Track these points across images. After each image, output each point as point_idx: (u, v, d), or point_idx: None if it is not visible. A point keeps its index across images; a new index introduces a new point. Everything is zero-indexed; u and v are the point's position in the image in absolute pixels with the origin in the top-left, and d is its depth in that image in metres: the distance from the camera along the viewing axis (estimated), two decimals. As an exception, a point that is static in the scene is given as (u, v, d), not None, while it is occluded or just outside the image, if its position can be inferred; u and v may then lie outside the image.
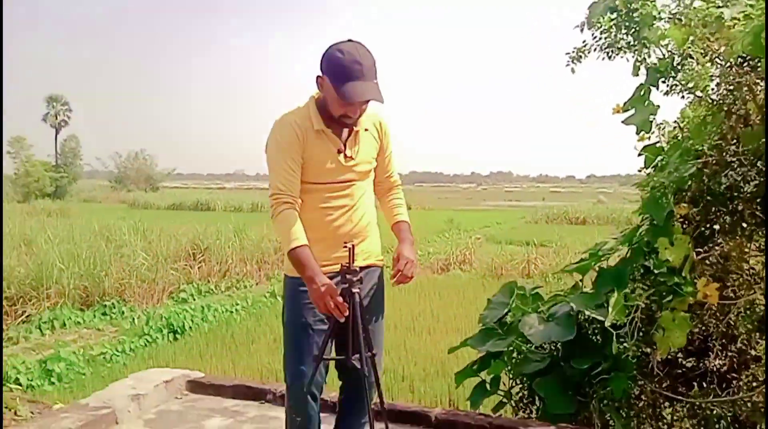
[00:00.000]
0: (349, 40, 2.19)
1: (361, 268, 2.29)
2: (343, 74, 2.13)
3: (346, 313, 2.09)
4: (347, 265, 2.12)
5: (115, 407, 3.19)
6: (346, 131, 2.31)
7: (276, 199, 2.24)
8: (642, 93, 3.34)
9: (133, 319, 9.88)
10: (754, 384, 3.20)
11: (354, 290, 2.10)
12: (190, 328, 9.33)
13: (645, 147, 3.37)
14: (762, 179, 2.99)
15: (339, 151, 2.29)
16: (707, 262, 3.00)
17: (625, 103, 3.39)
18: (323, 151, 2.28)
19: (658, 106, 3.32)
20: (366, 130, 2.35)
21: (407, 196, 2.56)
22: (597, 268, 3.26)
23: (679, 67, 3.28)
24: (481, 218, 30.78)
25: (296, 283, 2.24)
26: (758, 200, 3.01)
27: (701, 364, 3.25)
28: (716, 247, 3.06)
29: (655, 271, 2.94)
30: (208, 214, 31.29)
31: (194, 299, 11.66)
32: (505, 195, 73.98)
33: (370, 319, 2.37)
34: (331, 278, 2.19)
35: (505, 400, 3.48)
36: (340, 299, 2.09)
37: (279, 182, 2.24)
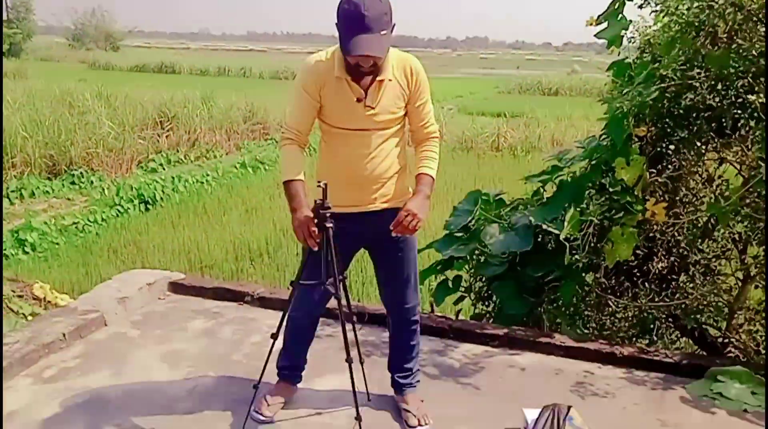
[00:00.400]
0: None
1: (381, 211, 2.41)
2: (347, 26, 2.12)
3: (318, 241, 2.22)
4: (321, 201, 2.22)
5: (103, 310, 3.34)
6: (369, 79, 2.26)
7: (283, 133, 2.37)
8: (616, 6, 3.33)
9: (103, 189, 9.85)
10: (691, 286, 3.53)
11: (327, 225, 2.22)
12: (161, 198, 9.36)
13: (613, 63, 3.42)
14: (719, 101, 3.10)
15: (359, 100, 2.28)
16: (658, 181, 3.18)
17: (599, 16, 3.40)
18: (341, 98, 2.29)
19: (630, 21, 3.34)
20: (390, 80, 2.29)
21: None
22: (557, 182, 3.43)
23: (655, -20, 3.26)
24: (455, 87, 30.44)
25: None
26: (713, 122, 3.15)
27: (645, 267, 3.53)
28: (669, 167, 3.23)
29: (610, 189, 3.11)
30: (173, 78, 30.27)
31: (164, 169, 11.61)
32: (480, 62, 72.55)
33: (394, 259, 2.49)
34: (344, 219, 2.30)
35: (465, 294, 3.77)
36: (315, 230, 2.22)
37: (290, 118, 2.38)
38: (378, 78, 2.27)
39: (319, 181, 2.21)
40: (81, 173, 10.43)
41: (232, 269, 6.58)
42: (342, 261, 2.40)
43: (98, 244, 7.49)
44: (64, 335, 3.07)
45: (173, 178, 10.28)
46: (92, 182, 10.26)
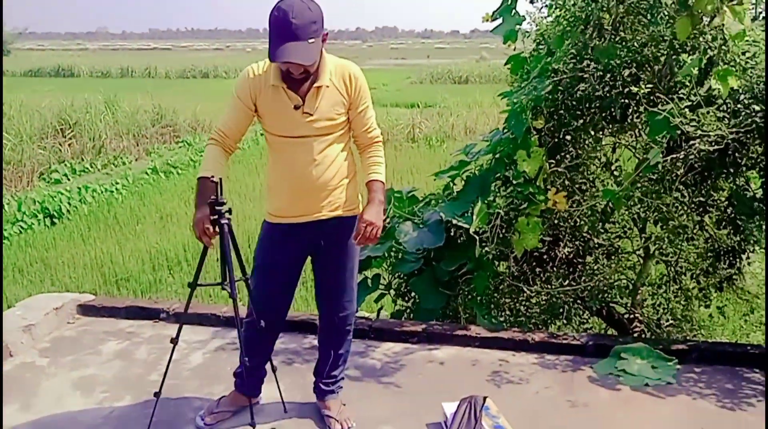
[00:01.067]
0: None
1: (328, 219, 2.41)
2: (275, 33, 2.12)
3: (213, 240, 2.22)
4: (214, 198, 2.21)
5: (7, 340, 3.17)
6: (307, 86, 2.27)
7: (212, 133, 2.40)
8: (510, 2, 3.45)
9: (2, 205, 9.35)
10: (596, 267, 3.72)
11: (222, 221, 2.22)
12: (68, 211, 8.89)
13: (511, 57, 3.54)
14: (608, 91, 3.28)
15: (296, 107, 2.28)
16: (558, 170, 3.32)
17: (493, 12, 3.50)
18: (279, 105, 2.30)
19: (524, 17, 3.46)
20: (328, 86, 2.30)
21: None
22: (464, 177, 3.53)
23: (544, -23, 3.39)
24: (368, 79, 30.11)
25: (267, 226, 2.48)
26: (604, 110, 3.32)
27: (552, 253, 3.69)
28: (567, 156, 3.38)
29: (514, 181, 3.23)
30: (72, 81, 28.91)
31: (69, 180, 11.06)
32: (391, 52, 72.98)
33: (336, 266, 2.50)
34: (293, 229, 2.37)
35: (385, 292, 3.83)
36: (210, 227, 2.20)
37: (220, 121, 2.41)
38: (315, 84, 2.28)
39: (211, 177, 2.20)
40: (-23, 190, 9.82)
41: (149, 280, 6.37)
42: (291, 270, 2.48)
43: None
44: (-36, 371, 2.90)
45: (80, 188, 9.79)
46: (-10, 199, 9.68)
